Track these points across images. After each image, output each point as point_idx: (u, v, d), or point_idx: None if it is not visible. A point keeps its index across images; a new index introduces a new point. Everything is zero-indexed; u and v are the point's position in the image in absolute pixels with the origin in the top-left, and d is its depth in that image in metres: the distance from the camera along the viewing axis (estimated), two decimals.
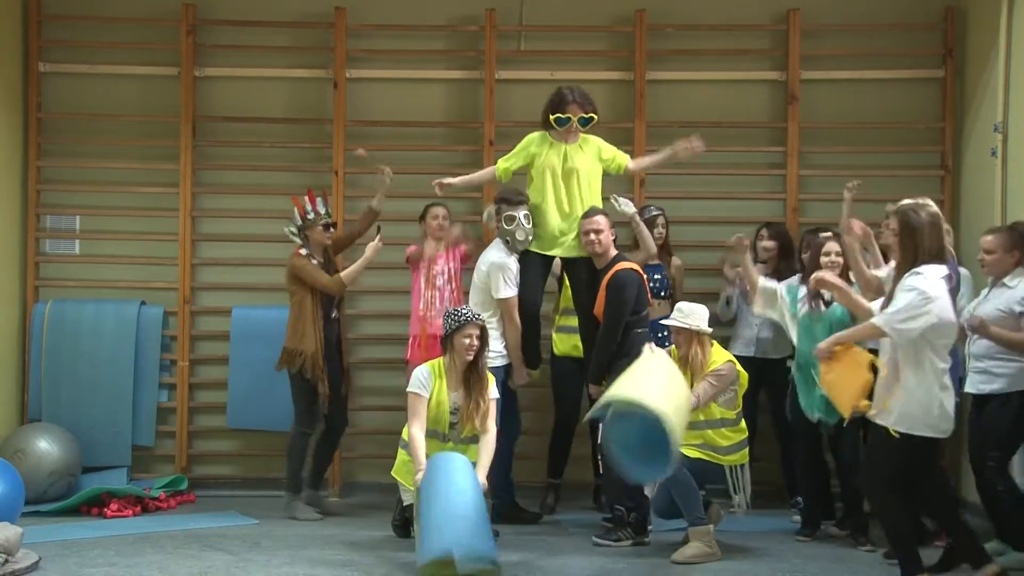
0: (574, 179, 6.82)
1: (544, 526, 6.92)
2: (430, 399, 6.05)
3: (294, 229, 7.16)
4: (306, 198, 7.14)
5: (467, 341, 6.01)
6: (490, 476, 6.08)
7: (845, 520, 6.65)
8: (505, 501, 6.94)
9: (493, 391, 6.16)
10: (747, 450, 6.35)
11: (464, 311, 6.11)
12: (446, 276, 7.16)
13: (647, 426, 5.50)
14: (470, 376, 6.08)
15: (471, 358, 6.05)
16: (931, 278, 5.19)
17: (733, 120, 8.13)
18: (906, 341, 5.18)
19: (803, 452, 6.68)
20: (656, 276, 7.28)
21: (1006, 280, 6.07)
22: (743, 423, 6.33)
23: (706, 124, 8.02)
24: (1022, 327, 5.90)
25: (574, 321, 7.00)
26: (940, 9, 8.03)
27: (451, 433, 6.10)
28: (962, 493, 7.31)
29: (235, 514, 7.21)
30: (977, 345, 6.13)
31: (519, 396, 7.09)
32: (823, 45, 8.14)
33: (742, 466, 6.30)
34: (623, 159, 6.97)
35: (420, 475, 5.76)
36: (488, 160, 7.74)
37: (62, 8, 8.17)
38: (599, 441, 6.47)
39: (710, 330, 6.29)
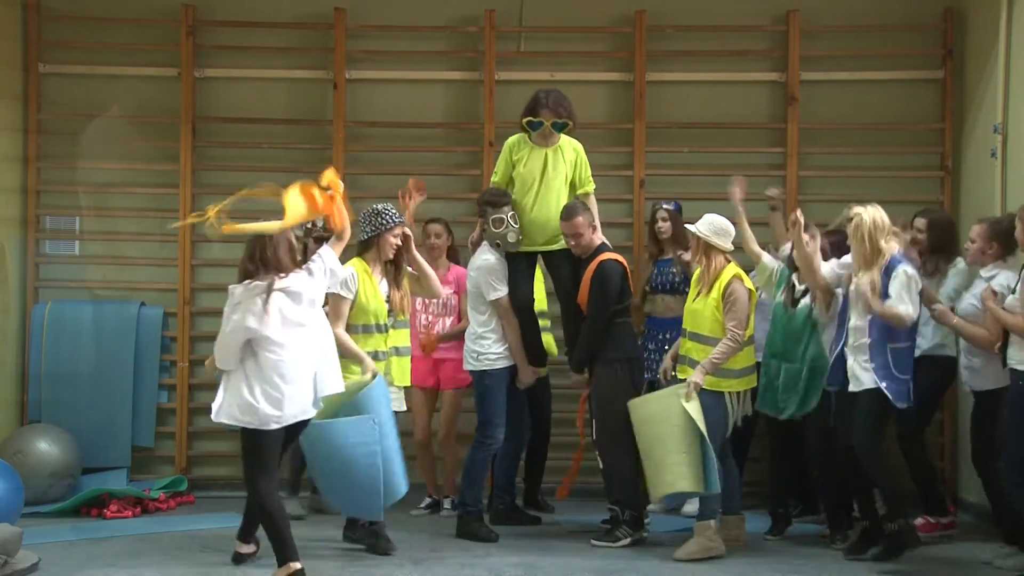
0: (555, 182, 6.68)
1: (543, 527, 6.91)
2: (363, 296, 6.18)
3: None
4: None
5: (395, 240, 6.27)
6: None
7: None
8: (507, 503, 6.94)
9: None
10: (753, 376, 6.23)
11: (393, 211, 6.29)
12: (438, 302, 7.18)
13: None
14: (389, 269, 6.35)
15: (392, 256, 6.30)
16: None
17: (733, 121, 8.12)
18: None
19: (774, 450, 6.62)
20: (667, 270, 7.22)
21: (982, 272, 6.14)
22: (751, 349, 6.20)
23: (706, 125, 8.04)
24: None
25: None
26: (940, 10, 8.02)
27: (388, 323, 6.30)
28: (961, 493, 7.31)
29: (235, 515, 7.16)
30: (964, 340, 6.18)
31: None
32: (823, 46, 8.13)
33: (741, 393, 6.16)
34: (588, 187, 6.79)
35: (369, 372, 6.03)
36: (488, 161, 7.75)
37: (62, 9, 8.16)
38: (593, 437, 6.48)
39: (729, 247, 6.18)
